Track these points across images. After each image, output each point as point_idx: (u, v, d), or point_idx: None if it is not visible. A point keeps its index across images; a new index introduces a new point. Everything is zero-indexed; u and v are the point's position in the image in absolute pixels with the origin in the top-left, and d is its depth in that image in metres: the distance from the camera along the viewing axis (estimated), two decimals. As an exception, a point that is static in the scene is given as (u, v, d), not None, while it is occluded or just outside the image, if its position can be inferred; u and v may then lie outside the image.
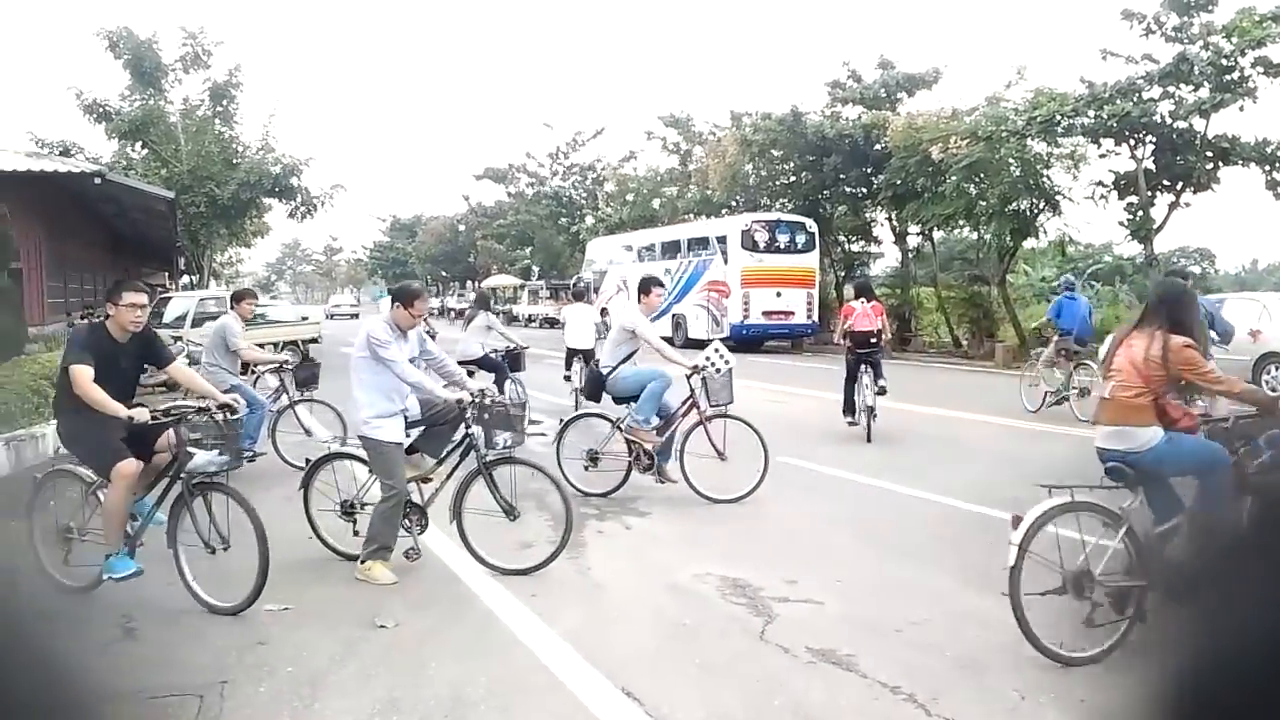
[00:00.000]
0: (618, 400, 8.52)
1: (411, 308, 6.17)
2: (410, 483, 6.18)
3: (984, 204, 22.04)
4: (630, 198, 40.93)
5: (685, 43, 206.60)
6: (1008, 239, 22.62)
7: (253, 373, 11.82)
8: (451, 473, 6.27)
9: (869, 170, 27.05)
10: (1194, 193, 20.97)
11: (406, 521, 6.14)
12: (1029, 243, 24.79)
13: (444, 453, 6.35)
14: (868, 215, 30.39)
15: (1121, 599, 4.56)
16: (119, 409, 5.18)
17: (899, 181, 24.30)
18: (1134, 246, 24.15)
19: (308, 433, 10.24)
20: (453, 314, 54.29)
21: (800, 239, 27.24)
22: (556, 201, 51.20)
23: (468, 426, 6.12)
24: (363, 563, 5.93)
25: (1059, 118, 20.17)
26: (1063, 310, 13.13)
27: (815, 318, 27.26)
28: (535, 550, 6.32)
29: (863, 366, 11.22)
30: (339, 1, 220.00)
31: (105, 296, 5.89)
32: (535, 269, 56.02)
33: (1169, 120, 20.39)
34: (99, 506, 5.51)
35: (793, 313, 26.64)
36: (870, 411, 11.01)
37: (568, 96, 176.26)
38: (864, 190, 28.76)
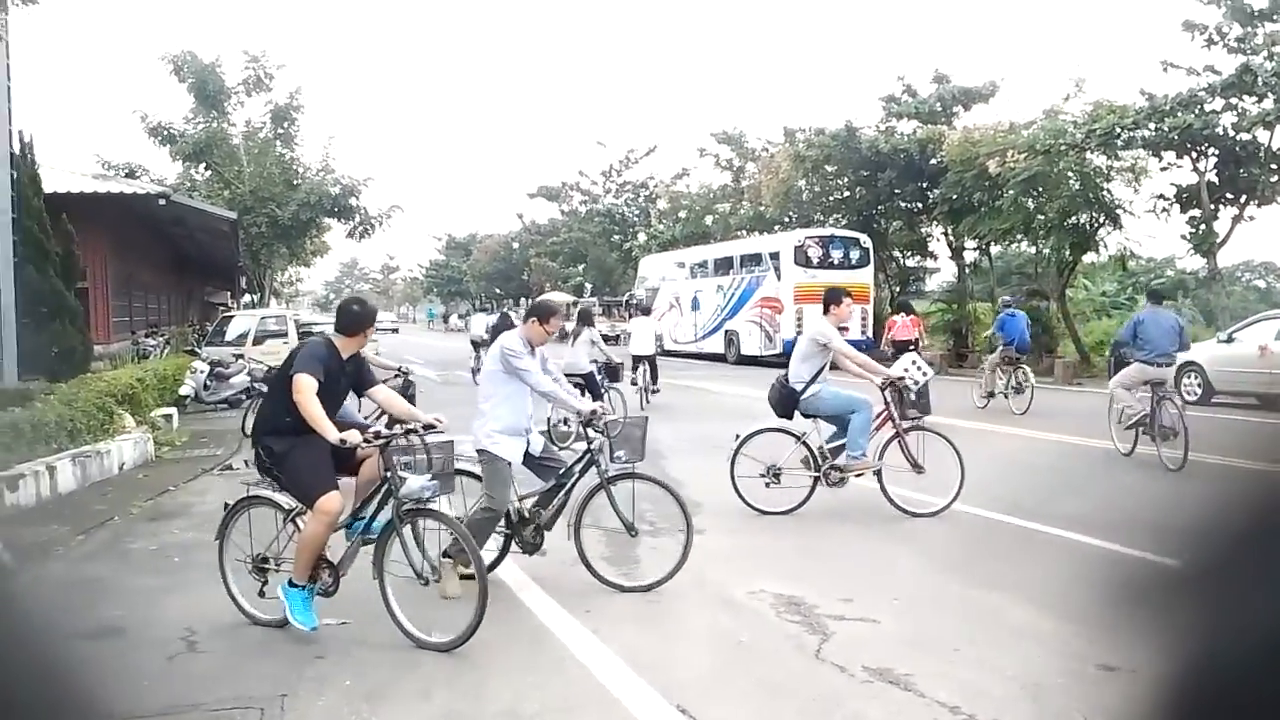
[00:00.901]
0: (806, 415, 8.22)
1: (547, 324, 6.14)
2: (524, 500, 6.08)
3: (1042, 218, 21.78)
4: (683, 214, 41.10)
5: (738, 60, 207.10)
6: (1067, 253, 22.31)
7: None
8: (570, 488, 6.11)
9: (924, 185, 26.86)
10: (1258, 206, 20.55)
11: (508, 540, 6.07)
12: (1089, 257, 24.39)
13: (551, 481, 6.13)
14: (923, 230, 30.16)
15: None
16: (332, 430, 4.92)
17: (955, 196, 24.10)
18: (1197, 260, 23.71)
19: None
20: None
21: (854, 254, 27.05)
22: (609, 219, 51.56)
23: (590, 441, 6.00)
24: (446, 556, 5.40)
25: (1119, 130, 19.88)
26: (1005, 325, 15.61)
27: (870, 333, 26.67)
28: (644, 567, 6.36)
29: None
30: (398, 24, 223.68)
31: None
32: (588, 286, 56.23)
33: (1232, 132, 20.01)
34: (295, 534, 5.26)
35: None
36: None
37: (621, 115, 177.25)
38: (919, 205, 28.58)
